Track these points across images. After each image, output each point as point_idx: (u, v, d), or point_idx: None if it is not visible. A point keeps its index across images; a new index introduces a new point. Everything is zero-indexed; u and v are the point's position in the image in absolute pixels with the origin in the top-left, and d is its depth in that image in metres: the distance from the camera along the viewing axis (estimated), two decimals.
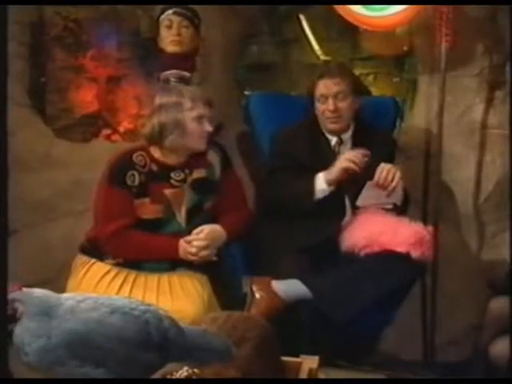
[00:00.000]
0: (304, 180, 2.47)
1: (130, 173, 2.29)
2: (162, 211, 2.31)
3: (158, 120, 2.29)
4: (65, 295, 1.47)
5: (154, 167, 2.33)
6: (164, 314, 1.45)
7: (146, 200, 2.30)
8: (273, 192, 2.56)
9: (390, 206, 2.45)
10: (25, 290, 1.42)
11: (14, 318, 1.37)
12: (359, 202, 2.46)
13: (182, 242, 2.28)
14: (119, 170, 2.30)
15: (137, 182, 2.29)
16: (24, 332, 1.36)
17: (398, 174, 2.40)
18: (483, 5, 2.76)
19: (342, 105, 2.54)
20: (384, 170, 2.40)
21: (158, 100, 2.33)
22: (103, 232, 2.29)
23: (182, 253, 2.28)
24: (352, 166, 2.38)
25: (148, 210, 2.30)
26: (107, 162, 2.34)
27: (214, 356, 1.49)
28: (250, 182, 2.94)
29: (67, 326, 1.36)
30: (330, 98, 2.53)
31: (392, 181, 2.39)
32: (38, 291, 1.43)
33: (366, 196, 2.44)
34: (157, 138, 2.30)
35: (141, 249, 2.29)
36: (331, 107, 2.52)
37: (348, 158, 2.39)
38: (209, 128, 2.32)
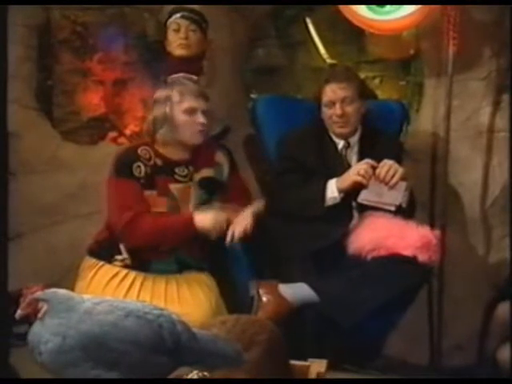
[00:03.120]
0: (314, 186, 2.48)
1: (135, 164, 2.31)
2: (169, 206, 2.32)
3: (152, 115, 2.35)
4: (85, 296, 1.48)
5: (159, 161, 2.35)
6: (177, 318, 1.46)
7: (154, 192, 2.31)
8: (280, 196, 2.56)
9: (392, 208, 2.42)
10: (51, 289, 1.43)
11: (30, 319, 1.38)
12: (360, 199, 2.43)
13: (196, 215, 2.27)
14: (125, 162, 2.32)
15: (143, 173, 2.31)
16: (43, 329, 1.37)
17: (399, 171, 2.38)
18: (485, 4, 2.76)
19: (349, 109, 2.54)
20: (386, 164, 2.40)
21: (154, 96, 2.38)
22: (119, 222, 2.28)
23: (198, 224, 2.25)
24: (363, 181, 2.39)
25: (156, 202, 2.31)
26: (113, 158, 2.36)
27: (225, 361, 1.50)
28: (256, 184, 2.95)
29: (83, 327, 1.37)
30: (337, 102, 2.53)
31: (393, 176, 2.39)
32: (61, 290, 1.44)
33: (368, 192, 2.42)
34: (151, 132, 2.34)
35: (156, 229, 2.27)
36: (338, 112, 2.53)
37: (360, 173, 2.39)
38: (202, 120, 2.33)
